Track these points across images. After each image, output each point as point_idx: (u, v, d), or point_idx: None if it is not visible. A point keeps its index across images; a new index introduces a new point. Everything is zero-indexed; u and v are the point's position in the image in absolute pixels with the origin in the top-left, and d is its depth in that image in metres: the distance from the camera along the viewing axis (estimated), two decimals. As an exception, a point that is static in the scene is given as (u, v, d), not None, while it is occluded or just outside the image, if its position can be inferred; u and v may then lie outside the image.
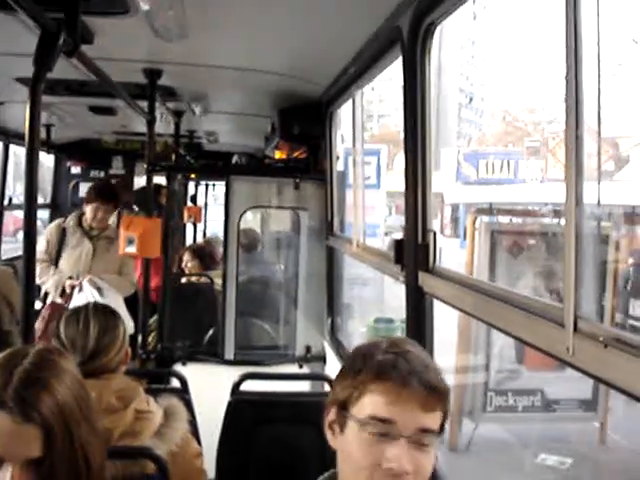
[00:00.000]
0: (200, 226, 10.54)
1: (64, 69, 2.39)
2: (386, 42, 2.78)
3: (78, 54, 2.38)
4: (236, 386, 3.14)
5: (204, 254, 7.09)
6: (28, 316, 2.28)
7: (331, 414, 1.58)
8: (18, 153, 7.04)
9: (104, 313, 2.54)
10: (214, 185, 11.21)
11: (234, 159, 9.17)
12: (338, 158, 4.64)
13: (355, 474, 1.49)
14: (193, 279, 6.74)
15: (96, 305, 2.58)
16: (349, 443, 1.51)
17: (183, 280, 6.70)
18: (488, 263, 7.67)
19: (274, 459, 3.12)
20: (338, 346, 4.44)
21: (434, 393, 1.49)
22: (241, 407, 3.11)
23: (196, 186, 10.55)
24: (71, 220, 5.48)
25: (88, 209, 5.39)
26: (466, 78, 69.14)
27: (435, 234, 2.45)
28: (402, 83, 2.53)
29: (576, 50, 1.51)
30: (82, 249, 5.36)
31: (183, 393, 3.02)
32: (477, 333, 7.58)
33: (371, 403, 1.48)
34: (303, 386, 4.06)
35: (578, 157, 1.50)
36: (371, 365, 1.51)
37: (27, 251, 2.04)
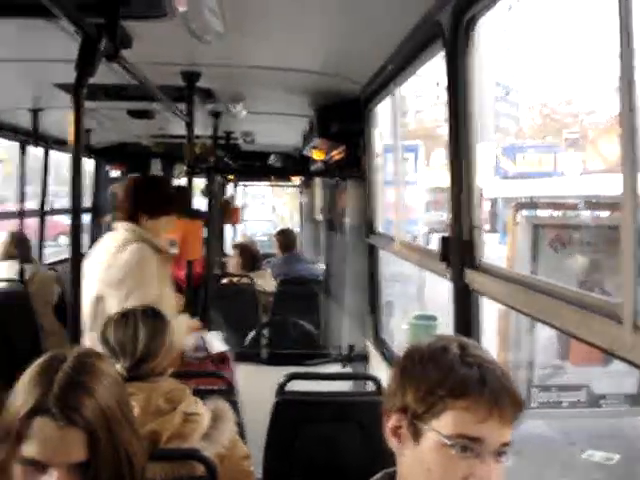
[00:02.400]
0: (239, 227, 10.59)
1: (103, 74, 2.40)
2: (426, 37, 2.75)
3: (119, 58, 2.38)
4: (281, 386, 3.13)
5: (248, 253, 7.10)
6: (76, 318, 2.28)
7: (394, 420, 1.53)
8: (55, 158, 7.12)
9: (152, 317, 2.54)
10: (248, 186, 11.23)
11: (271, 159, 9.18)
12: (378, 156, 4.61)
13: None
14: (234, 280, 6.75)
15: (144, 309, 2.58)
16: (427, 456, 1.46)
17: (224, 281, 6.72)
18: (530, 257, 7.57)
19: (320, 459, 3.11)
20: (382, 345, 4.41)
21: (519, 405, 1.46)
22: (287, 407, 3.10)
23: (235, 187, 10.58)
24: None
25: None
26: (502, 71, 68.44)
27: (481, 230, 2.41)
28: (445, 78, 2.50)
29: (629, 38, 1.47)
30: None
31: (229, 394, 3.02)
32: (519, 328, 7.49)
33: (459, 420, 1.44)
34: (344, 385, 4.05)
35: (634, 146, 1.46)
36: (455, 379, 1.45)
37: (74, 254, 2.05)
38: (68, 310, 2.35)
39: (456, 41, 2.39)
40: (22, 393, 1.48)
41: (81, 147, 2.15)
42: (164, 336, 2.50)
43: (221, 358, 3.82)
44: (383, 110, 4.47)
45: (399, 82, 3.58)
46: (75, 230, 2.07)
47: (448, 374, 1.46)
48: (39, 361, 1.54)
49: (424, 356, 1.52)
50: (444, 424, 1.44)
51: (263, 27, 3.08)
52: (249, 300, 6.11)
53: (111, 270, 3.43)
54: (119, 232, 3.59)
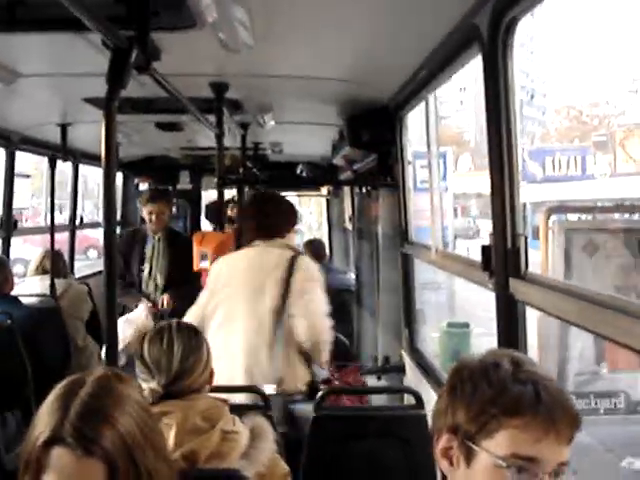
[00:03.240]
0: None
1: (130, 87, 2.37)
2: (462, 41, 2.69)
3: (150, 70, 2.35)
4: (319, 401, 3.07)
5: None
6: (111, 334, 2.22)
7: (444, 441, 1.46)
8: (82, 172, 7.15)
9: (187, 332, 2.49)
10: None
11: (299, 169, 9.16)
12: (410, 163, 4.55)
13: None
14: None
15: (179, 324, 2.53)
16: (480, 479, 1.40)
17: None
18: (563, 262, 7.46)
19: (360, 475, 3.05)
20: (418, 356, 4.33)
21: (576, 423, 1.40)
22: (325, 422, 3.04)
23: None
24: None
25: None
26: (526, 75, 68.22)
27: (526, 238, 2.34)
28: (483, 83, 2.44)
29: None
30: None
31: (265, 409, 2.96)
32: (554, 334, 7.38)
33: (513, 440, 1.37)
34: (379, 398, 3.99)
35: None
36: (508, 397, 1.39)
37: (108, 268, 2.00)
38: (103, 325, 2.29)
39: (495, 44, 2.32)
40: (41, 420, 1.42)
41: (113, 161, 2.12)
42: (200, 352, 2.44)
43: None
44: (412, 116, 4.43)
45: (432, 88, 3.52)
46: (108, 244, 2.02)
47: (501, 392, 1.39)
48: (59, 385, 1.48)
49: (475, 373, 1.45)
50: (498, 444, 1.38)
51: (292, 37, 3.05)
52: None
53: (300, 284, 3.55)
54: (274, 248, 3.68)
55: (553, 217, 8.09)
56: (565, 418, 1.37)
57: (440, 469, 1.50)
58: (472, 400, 1.42)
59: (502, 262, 2.39)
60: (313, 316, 3.54)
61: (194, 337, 2.48)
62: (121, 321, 3.79)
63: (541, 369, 1.46)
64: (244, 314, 3.54)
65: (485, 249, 2.52)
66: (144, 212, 5.65)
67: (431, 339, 9.61)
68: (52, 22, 2.51)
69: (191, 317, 3.54)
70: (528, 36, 67.99)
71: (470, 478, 1.42)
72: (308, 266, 3.67)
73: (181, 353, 2.39)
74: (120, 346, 3.31)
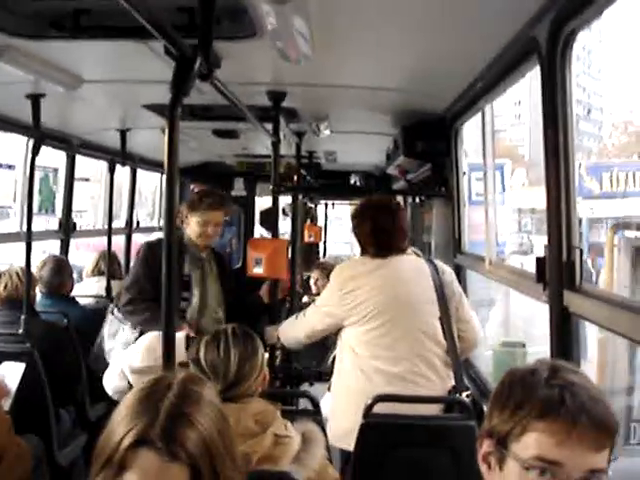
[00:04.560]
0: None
1: (190, 94, 2.42)
2: (520, 54, 2.69)
3: (212, 78, 2.40)
4: (368, 408, 3.07)
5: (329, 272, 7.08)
6: (168, 337, 2.24)
7: (485, 446, 1.48)
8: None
9: (243, 337, 2.52)
10: (333, 205, 11.21)
11: (352, 179, 9.18)
12: (464, 174, 4.54)
13: None
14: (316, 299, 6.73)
15: (234, 329, 2.56)
16: None
17: (305, 299, 6.71)
18: (630, 279, 7.28)
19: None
20: (468, 367, 4.31)
21: (605, 430, 1.37)
22: (374, 430, 3.05)
23: (315, 206, 10.61)
24: None
25: None
26: (583, 89, 67.20)
27: (582, 251, 2.32)
28: (541, 96, 2.43)
29: None
30: None
31: (315, 415, 2.98)
32: (617, 357, 7.18)
33: (536, 443, 1.38)
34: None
35: None
36: (535, 400, 1.40)
37: (167, 273, 2.04)
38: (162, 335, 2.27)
39: (554, 57, 2.32)
40: (125, 420, 1.41)
41: (176, 166, 2.17)
42: (256, 358, 2.47)
43: None
44: (467, 127, 4.41)
45: (489, 99, 3.51)
46: (168, 249, 2.06)
47: (530, 396, 1.41)
48: (142, 386, 1.48)
49: (514, 380, 1.48)
50: (524, 447, 1.39)
51: (350, 47, 3.07)
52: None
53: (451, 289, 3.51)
54: (411, 255, 3.61)
55: (622, 233, 7.92)
56: (589, 422, 1.36)
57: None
58: (505, 404, 1.44)
59: (557, 274, 2.38)
60: None
61: (249, 342, 2.51)
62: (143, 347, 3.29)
63: (580, 376, 1.45)
64: None
65: (539, 261, 2.50)
66: (193, 221, 4.28)
67: (484, 358, 9.44)
68: (116, 30, 2.58)
69: None
70: (585, 49, 67.04)
71: None
72: None
73: (238, 360, 2.42)
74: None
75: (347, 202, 10.67)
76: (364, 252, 3.59)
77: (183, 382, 1.49)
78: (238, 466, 1.52)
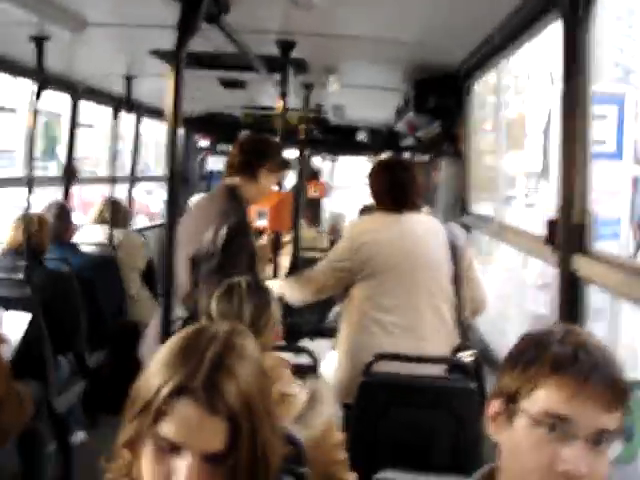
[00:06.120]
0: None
1: (197, 41, 2.34)
2: (540, 7, 2.59)
3: (220, 22, 2.32)
4: (368, 366, 3.05)
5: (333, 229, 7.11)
6: (169, 284, 2.19)
7: (494, 406, 1.45)
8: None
9: (257, 291, 2.46)
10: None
11: (359, 135, 9.09)
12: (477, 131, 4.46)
13: (523, 474, 1.37)
14: (318, 254, 6.70)
15: (249, 283, 2.50)
16: (518, 439, 1.39)
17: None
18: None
19: (406, 443, 3.03)
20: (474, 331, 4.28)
21: (617, 390, 1.35)
22: (374, 389, 3.02)
23: (322, 161, 10.53)
24: None
25: None
26: (621, 51, 66.20)
27: (594, 215, 2.26)
28: (561, 52, 2.35)
29: None
30: None
31: (314, 371, 2.95)
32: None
33: (547, 398, 1.35)
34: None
35: None
36: (547, 357, 1.37)
37: (169, 221, 2.00)
38: (160, 277, 2.27)
39: (576, 11, 2.23)
40: (166, 367, 1.34)
41: (179, 114, 2.11)
42: (269, 312, 2.42)
43: None
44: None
45: (504, 55, 3.42)
46: (171, 197, 2.02)
47: (542, 352, 1.39)
48: (184, 335, 1.41)
49: (530, 340, 1.45)
50: (533, 403, 1.37)
51: (362, -4, 2.98)
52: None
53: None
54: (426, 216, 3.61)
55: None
56: (601, 380, 1.33)
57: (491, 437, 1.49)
58: (517, 363, 1.42)
59: (567, 237, 2.32)
60: None
61: (263, 295, 2.46)
62: None
63: (593, 338, 1.42)
64: None
65: (551, 223, 2.44)
66: (267, 181, 3.69)
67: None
68: None
69: None
70: (627, 9, 65.94)
71: (512, 439, 1.40)
72: None
73: (252, 313, 2.38)
74: None
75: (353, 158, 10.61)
76: (379, 208, 3.57)
77: (228, 333, 1.42)
78: (277, 431, 1.44)
